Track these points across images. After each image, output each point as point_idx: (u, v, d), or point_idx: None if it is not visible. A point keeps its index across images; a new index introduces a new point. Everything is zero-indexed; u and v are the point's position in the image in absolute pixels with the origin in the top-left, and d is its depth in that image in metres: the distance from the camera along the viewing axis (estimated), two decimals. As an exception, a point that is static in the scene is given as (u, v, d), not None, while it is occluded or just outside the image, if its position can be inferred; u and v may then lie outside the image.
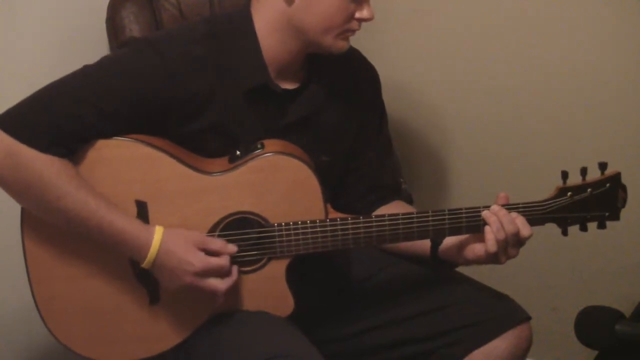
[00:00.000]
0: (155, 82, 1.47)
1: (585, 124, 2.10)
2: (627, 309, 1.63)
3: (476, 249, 1.53)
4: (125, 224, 1.44)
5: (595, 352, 1.57)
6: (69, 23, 2.05)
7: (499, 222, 1.48)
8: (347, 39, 1.55)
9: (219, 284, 1.46)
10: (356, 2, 1.51)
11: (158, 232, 1.45)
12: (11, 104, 1.46)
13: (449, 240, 1.57)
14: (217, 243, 1.47)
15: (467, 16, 2.22)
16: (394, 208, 1.70)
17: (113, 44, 2.00)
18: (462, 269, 1.71)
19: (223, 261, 1.46)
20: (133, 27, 1.99)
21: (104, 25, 2.02)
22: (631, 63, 2.00)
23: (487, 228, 1.48)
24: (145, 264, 1.45)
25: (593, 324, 1.44)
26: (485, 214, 1.49)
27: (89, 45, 2.05)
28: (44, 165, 1.42)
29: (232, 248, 1.48)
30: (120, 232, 1.44)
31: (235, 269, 1.49)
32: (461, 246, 1.55)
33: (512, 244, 1.49)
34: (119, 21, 1.99)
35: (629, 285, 2.09)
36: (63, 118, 1.44)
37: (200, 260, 1.45)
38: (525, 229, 1.48)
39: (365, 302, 1.68)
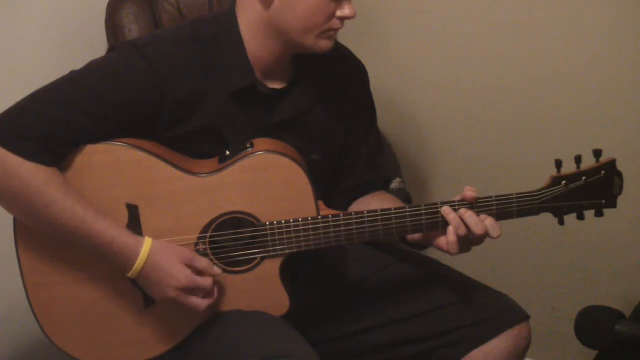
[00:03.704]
0: (142, 85, 1.47)
1: (582, 121, 2.10)
2: (627, 309, 1.63)
3: (440, 243, 1.52)
4: (113, 233, 1.44)
5: (595, 352, 1.57)
6: (69, 23, 2.05)
7: (464, 224, 1.47)
8: (330, 38, 1.53)
9: (200, 303, 1.47)
10: (336, 1, 1.49)
11: (147, 243, 1.45)
12: (11, 103, 1.46)
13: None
14: (203, 262, 1.48)
15: (462, 16, 2.22)
16: (375, 198, 1.70)
17: (112, 44, 2.00)
18: (462, 269, 1.71)
19: (207, 282, 1.47)
20: (132, 27, 1.99)
21: (103, 25, 2.03)
22: (627, 58, 2.00)
23: (450, 229, 1.48)
24: (131, 274, 1.45)
25: (593, 324, 1.44)
26: (447, 214, 1.49)
27: (89, 45, 2.05)
28: (30, 174, 1.41)
29: (217, 270, 1.49)
30: (108, 241, 1.44)
31: (216, 293, 1.49)
32: (426, 236, 1.55)
33: (476, 242, 1.50)
34: (118, 21, 2.00)
35: (629, 285, 2.09)
36: (51, 124, 1.43)
37: (186, 277, 1.45)
38: (494, 230, 1.48)
39: (363, 302, 1.68)
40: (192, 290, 1.46)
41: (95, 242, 1.44)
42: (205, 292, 1.48)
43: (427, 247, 1.61)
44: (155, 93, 1.48)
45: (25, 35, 1.98)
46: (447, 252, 1.51)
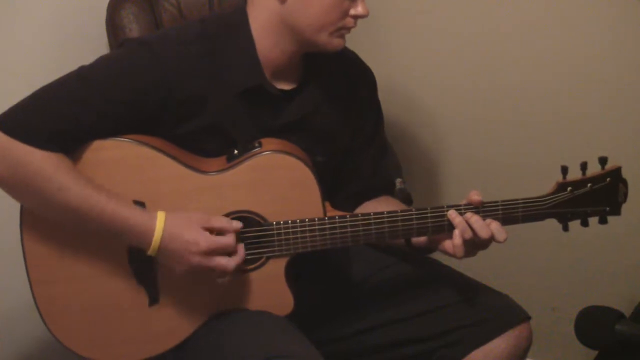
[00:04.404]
0: (150, 82, 1.47)
1: (584, 121, 2.10)
2: (627, 309, 1.63)
3: (446, 246, 1.53)
4: (127, 211, 1.44)
5: (595, 352, 1.57)
6: (69, 23, 2.05)
7: (470, 228, 1.48)
8: (342, 36, 1.54)
9: (227, 262, 1.45)
10: None
11: (160, 217, 1.44)
12: (11, 103, 1.46)
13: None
14: (220, 221, 1.46)
15: (464, 16, 2.22)
16: (381, 203, 1.70)
17: (113, 44, 2.00)
18: (462, 269, 1.71)
19: (229, 239, 1.45)
20: (133, 27, 1.99)
21: (104, 25, 2.02)
22: (629, 59, 2.00)
23: (456, 232, 1.49)
24: (150, 251, 1.44)
25: (593, 324, 1.44)
26: (453, 217, 1.49)
27: (89, 45, 2.05)
28: (41, 160, 1.42)
29: (237, 224, 1.47)
30: (123, 220, 1.43)
31: (242, 247, 1.47)
32: (432, 240, 1.55)
33: (482, 246, 1.50)
34: (118, 21, 2.00)
35: (629, 285, 2.09)
36: (59, 119, 1.44)
37: (205, 239, 1.43)
38: (500, 234, 1.49)
39: (365, 302, 1.68)
40: (214, 252, 1.44)
41: (109, 223, 1.43)
42: (229, 251, 1.45)
43: (433, 252, 1.61)
44: (162, 90, 1.48)
45: (25, 35, 1.98)
46: (453, 255, 1.51)
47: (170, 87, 1.48)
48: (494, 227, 1.49)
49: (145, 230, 1.43)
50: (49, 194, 1.43)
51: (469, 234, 1.48)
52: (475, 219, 1.48)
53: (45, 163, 1.42)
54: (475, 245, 1.50)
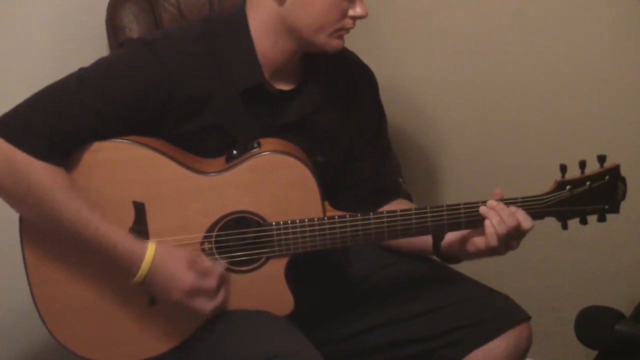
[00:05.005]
0: (151, 82, 1.48)
1: (584, 121, 2.10)
2: (627, 309, 1.63)
3: (477, 243, 1.53)
4: (118, 238, 1.44)
5: (595, 352, 1.57)
6: (69, 23, 2.05)
7: (499, 216, 1.48)
8: (341, 37, 1.55)
9: (206, 304, 1.48)
10: (349, 0, 1.50)
11: (150, 249, 1.45)
12: (11, 104, 1.46)
13: (451, 235, 1.57)
14: (206, 263, 1.48)
15: (464, 16, 2.22)
16: (394, 206, 1.69)
17: (113, 44, 2.00)
18: (462, 269, 1.71)
19: (212, 282, 1.47)
20: (133, 27, 1.99)
21: (104, 25, 2.02)
22: (629, 59, 2.00)
23: (487, 222, 1.48)
24: (136, 279, 1.45)
25: (593, 324, 1.44)
26: (483, 209, 1.50)
27: (89, 46, 2.05)
28: (40, 174, 1.42)
29: (220, 267, 1.49)
30: (112, 246, 1.44)
31: (222, 292, 1.50)
32: (463, 240, 1.55)
33: (513, 236, 1.50)
34: (118, 21, 1.99)
35: (629, 285, 2.09)
36: (60, 121, 1.44)
37: (190, 280, 1.45)
38: (526, 222, 1.49)
39: (365, 302, 1.68)
40: (197, 292, 1.46)
41: (99, 247, 1.44)
42: (210, 293, 1.48)
43: (461, 261, 1.60)
44: (163, 90, 1.48)
45: (26, 35, 1.98)
46: (487, 247, 1.50)
47: (171, 87, 1.48)
48: (520, 214, 1.48)
49: (133, 260, 1.45)
50: (43, 209, 1.43)
51: (501, 224, 1.47)
52: (501, 207, 1.48)
53: (44, 178, 1.42)
54: (507, 235, 1.48)
